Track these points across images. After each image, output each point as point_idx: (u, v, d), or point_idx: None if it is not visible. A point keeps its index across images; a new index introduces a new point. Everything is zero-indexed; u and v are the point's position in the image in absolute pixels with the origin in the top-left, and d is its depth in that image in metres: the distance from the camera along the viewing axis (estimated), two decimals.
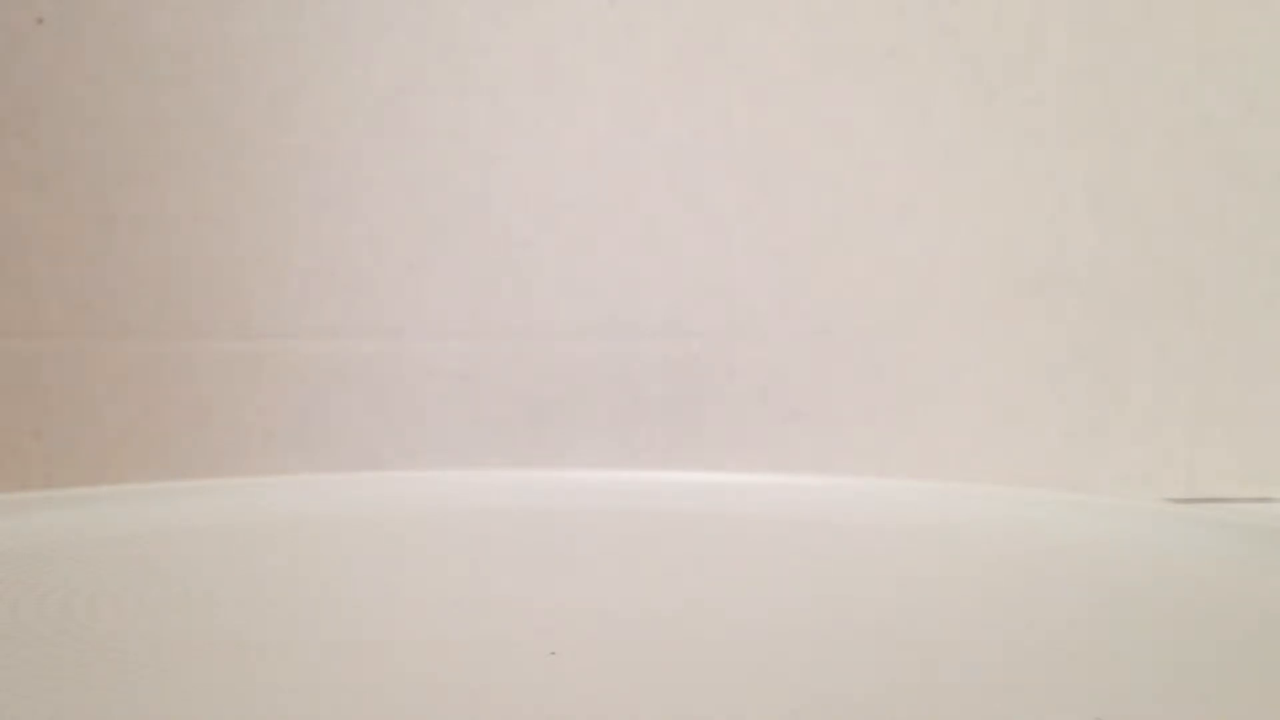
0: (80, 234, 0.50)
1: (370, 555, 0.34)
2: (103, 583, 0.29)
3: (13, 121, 0.49)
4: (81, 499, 0.39)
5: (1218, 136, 0.53)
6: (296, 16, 0.50)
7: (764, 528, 0.38)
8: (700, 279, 0.52)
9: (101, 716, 0.19)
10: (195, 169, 0.50)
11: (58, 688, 0.20)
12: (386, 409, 0.51)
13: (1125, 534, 0.35)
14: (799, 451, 0.52)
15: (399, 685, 0.21)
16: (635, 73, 0.51)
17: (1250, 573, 0.30)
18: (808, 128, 0.52)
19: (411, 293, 0.51)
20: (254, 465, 0.50)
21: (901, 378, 0.52)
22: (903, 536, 0.36)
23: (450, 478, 0.45)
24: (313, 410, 0.51)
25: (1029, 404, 0.53)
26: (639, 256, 0.52)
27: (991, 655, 0.23)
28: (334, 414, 0.51)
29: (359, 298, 0.51)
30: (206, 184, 0.50)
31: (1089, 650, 0.24)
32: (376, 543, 0.36)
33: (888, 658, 0.23)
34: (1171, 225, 0.53)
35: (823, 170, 0.52)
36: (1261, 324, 0.53)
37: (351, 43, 0.51)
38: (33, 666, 0.22)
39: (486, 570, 0.32)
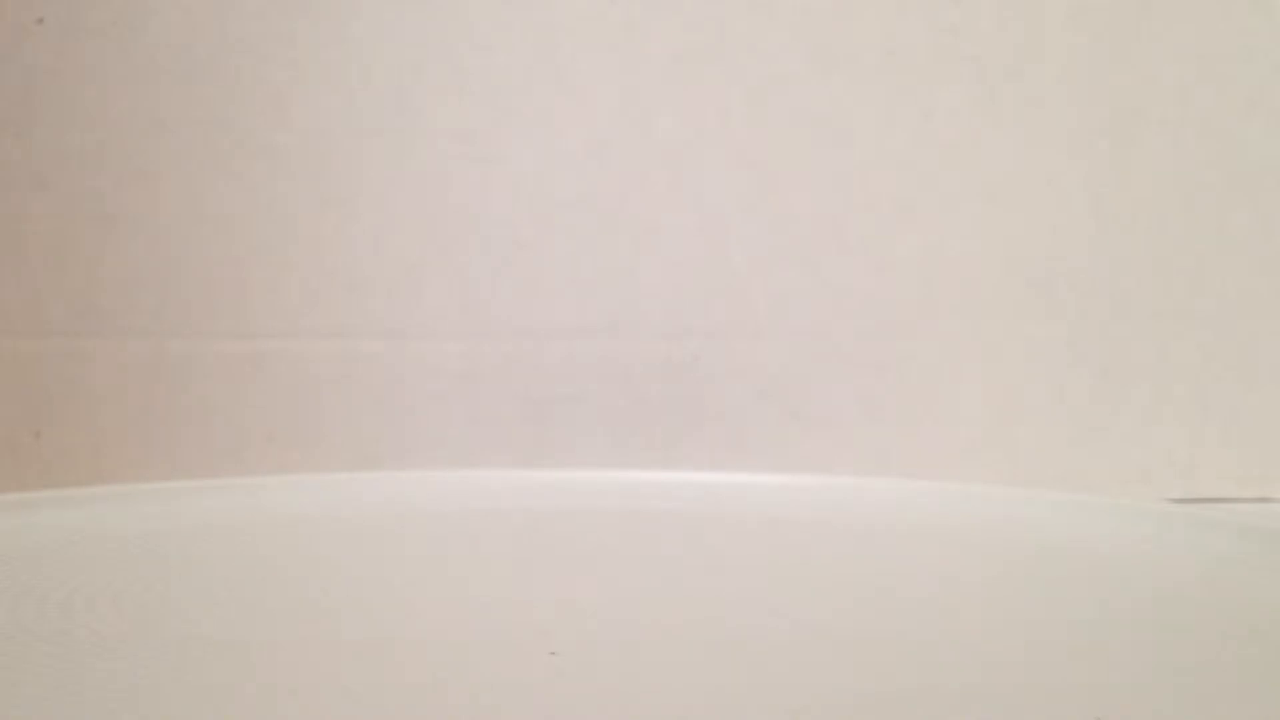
0: (80, 234, 0.50)
1: (370, 555, 0.34)
2: (103, 583, 0.29)
3: (13, 121, 0.49)
4: (81, 499, 0.39)
5: (1218, 136, 0.53)
6: (296, 16, 0.50)
7: (764, 528, 0.38)
8: (700, 279, 0.52)
9: (101, 716, 0.19)
10: (195, 169, 0.50)
11: (58, 688, 0.20)
12: (386, 409, 0.51)
13: (1125, 534, 0.35)
14: (799, 451, 0.52)
15: (399, 685, 0.21)
16: (635, 73, 0.51)
17: (1250, 573, 0.30)
18: (808, 128, 0.52)
19: (411, 293, 0.51)
20: (254, 465, 0.50)
21: (901, 378, 0.52)
22: (903, 536, 0.36)
23: (450, 478, 0.45)
24: (313, 410, 0.51)
25: (1029, 404, 0.52)
26: (639, 256, 0.52)
27: (991, 655, 0.23)
28: (334, 414, 0.51)
29: (359, 298, 0.51)
30: (206, 184, 0.50)
31: (1089, 650, 0.24)
32: (376, 543, 0.36)
33: (887, 657, 0.23)
34: (1171, 225, 0.53)
35: (823, 170, 0.52)
36: (1261, 324, 0.53)
37: (351, 43, 0.51)
38: (33, 666, 0.22)
39: (486, 570, 0.32)
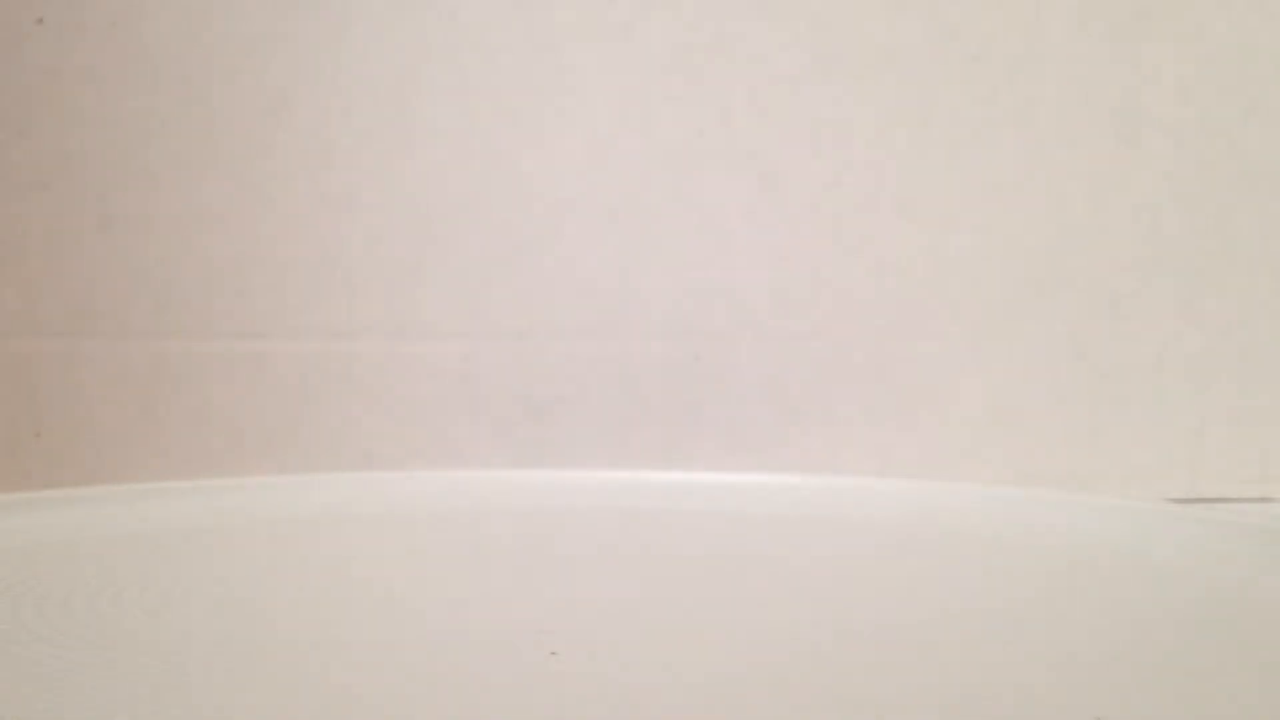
0: (80, 234, 0.50)
1: (369, 555, 0.34)
2: (103, 583, 0.29)
3: (13, 121, 0.49)
4: (81, 499, 0.39)
5: (1218, 136, 0.53)
6: (296, 16, 0.50)
7: (765, 528, 0.38)
8: (700, 279, 0.52)
9: (101, 716, 0.19)
10: (195, 169, 0.50)
11: (58, 688, 0.20)
12: (386, 409, 0.51)
13: (1125, 534, 0.35)
14: (799, 451, 0.52)
15: (399, 685, 0.21)
16: (635, 73, 0.51)
17: (1250, 573, 0.30)
18: (808, 128, 0.52)
19: (411, 293, 0.51)
20: (254, 465, 0.50)
21: (901, 378, 0.52)
22: (903, 536, 0.36)
23: (450, 478, 0.45)
24: (313, 410, 0.51)
25: (1029, 404, 0.53)
26: (639, 256, 0.52)
27: (991, 655, 0.23)
28: (334, 414, 0.51)
29: (359, 298, 0.51)
30: (206, 184, 0.50)
31: (1089, 650, 0.24)
32: (376, 543, 0.36)
33: (887, 657, 0.23)
34: (1171, 225, 0.53)
35: (823, 170, 0.52)
36: (1261, 324, 0.53)
37: (351, 43, 0.51)
38: (33, 666, 0.22)
39: (486, 570, 0.32)
